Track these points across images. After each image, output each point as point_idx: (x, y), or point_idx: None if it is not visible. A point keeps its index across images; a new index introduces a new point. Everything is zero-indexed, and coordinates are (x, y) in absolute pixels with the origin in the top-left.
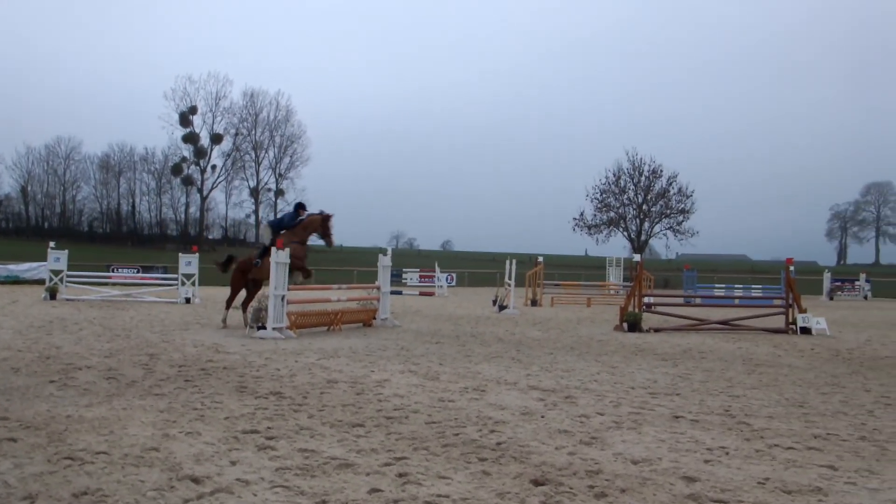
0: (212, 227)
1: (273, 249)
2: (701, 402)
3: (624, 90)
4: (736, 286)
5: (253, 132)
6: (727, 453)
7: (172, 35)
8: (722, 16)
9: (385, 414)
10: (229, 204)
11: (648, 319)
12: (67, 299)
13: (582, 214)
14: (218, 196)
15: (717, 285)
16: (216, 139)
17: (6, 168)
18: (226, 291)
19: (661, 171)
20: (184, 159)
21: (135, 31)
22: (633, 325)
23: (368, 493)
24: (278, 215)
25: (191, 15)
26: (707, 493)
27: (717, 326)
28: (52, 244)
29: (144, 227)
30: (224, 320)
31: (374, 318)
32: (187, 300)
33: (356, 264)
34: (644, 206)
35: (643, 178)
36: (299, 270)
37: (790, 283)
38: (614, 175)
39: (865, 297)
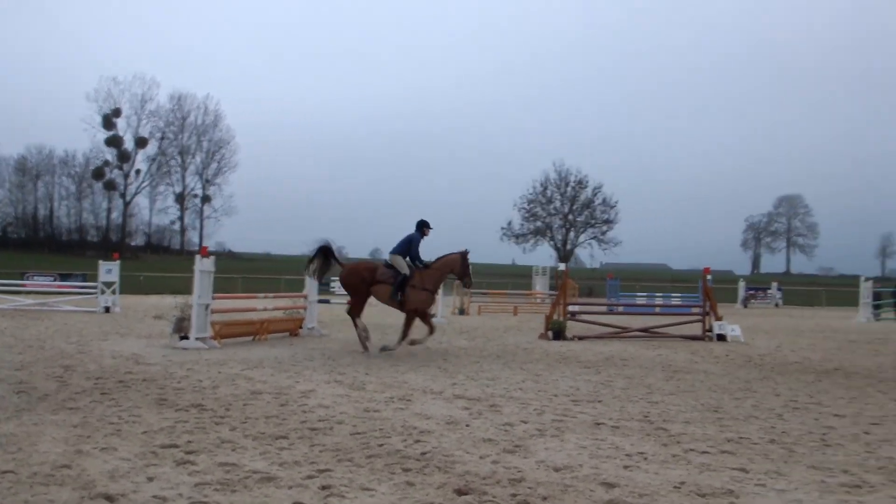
0: (135, 233)
1: (198, 257)
2: (621, 408)
3: (543, 100)
4: (657, 294)
5: (180, 136)
6: (645, 458)
7: (98, 33)
8: (634, 27)
9: (309, 425)
10: (153, 210)
11: (573, 327)
12: None
13: (510, 224)
14: (141, 201)
15: (639, 294)
16: (141, 143)
17: None
18: (146, 301)
19: (587, 182)
20: (106, 163)
21: (59, 28)
22: (558, 334)
23: None
24: (404, 236)
25: (117, 12)
26: (625, 499)
27: (639, 334)
28: None
29: (63, 232)
30: (366, 338)
31: (301, 328)
32: (107, 309)
33: (284, 272)
34: (570, 217)
35: (569, 189)
36: (428, 325)
37: (707, 291)
38: (541, 186)
39: (777, 305)
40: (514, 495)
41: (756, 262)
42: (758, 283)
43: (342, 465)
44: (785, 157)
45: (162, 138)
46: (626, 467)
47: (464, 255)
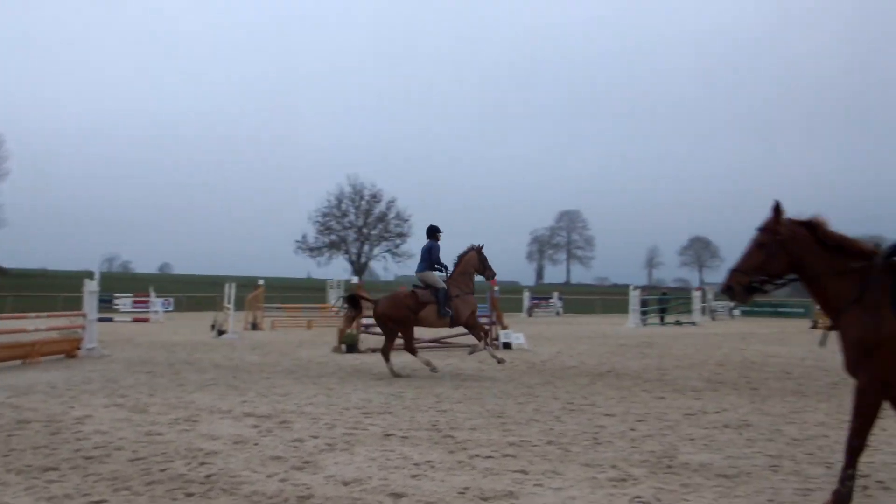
0: None
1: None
2: (411, 418)
3: (342, 112)
4: None
5: None
6: (433, 467)
7: None
8: (410, 45)
9: (84, 454)
10: None
11: (367, 340)
12: None
13: (304, 237)
14: None
15: None
16: None
17: None
18: None
19: (381, 196)
20: None
21: None
22: (352, 347)
23: None
24: (422, 250)
25: None
26: None
27: (431, 345)
28: None
29: None
30: (430, 365)
31: (79, 348)
32: None
33: (61, 290)
34: (364, 230)
35: (363, 203)
36: (478, 331)
37: (493, 302)
38: (336, 199)
39: (558, 313)
40: None
41: (540, 273)
42: (541, 293)
43: (119, 494)
44: (567, 175)
45: None
46: (413, 476)
47: (479, 250)
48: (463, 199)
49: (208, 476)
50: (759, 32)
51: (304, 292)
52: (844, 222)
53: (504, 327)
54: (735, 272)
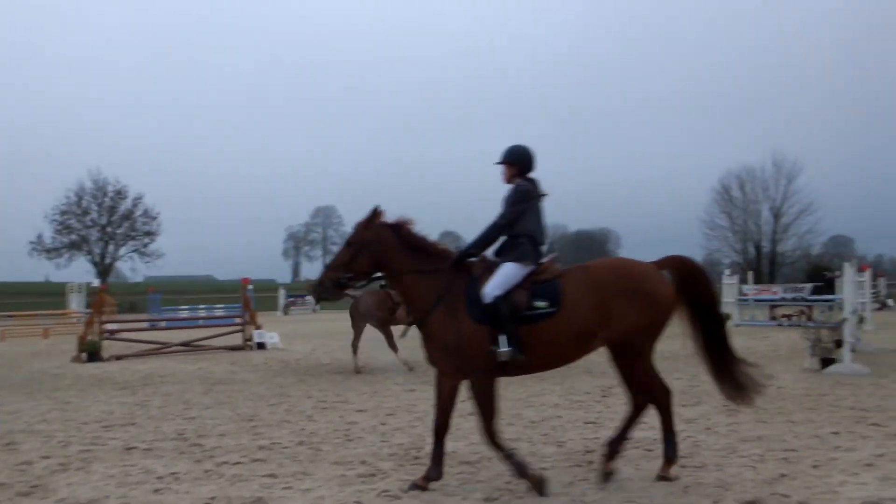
0: None
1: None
2: (157, 428)
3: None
4: (200, 307)
5: None
6: (177, 479)
7: None
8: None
9: None
10: None
11: (110, 347)
12: None
13: (40, 237)
14: None
15: (182, 307)
16: None
17: None
18: None
19: (127, 192)
20: None
21: None
22: (93, 355)
23: None
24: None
25: None
26: None
27: (180, 349)
28: None
29: None
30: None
31: None
32: None
33: None
34: (108, 229)
35: (107, 200)
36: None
37: (246, 301)
38: (76, 196)
39: (314, 310)
40: None
41: (296, 270)
42: (298, 291)
43: None
44: (322, 172)
45: None
46: (156, 491)
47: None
48: (217, 194)
49: None
50: None
51: (40, 297)
52: None
53: (258, 327)
54: (327, 269)
